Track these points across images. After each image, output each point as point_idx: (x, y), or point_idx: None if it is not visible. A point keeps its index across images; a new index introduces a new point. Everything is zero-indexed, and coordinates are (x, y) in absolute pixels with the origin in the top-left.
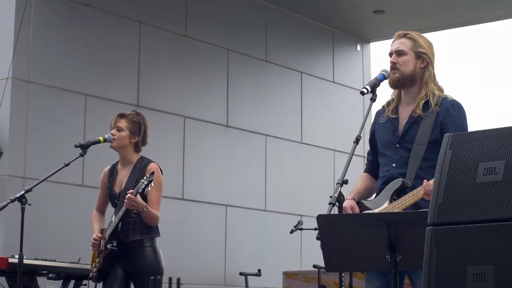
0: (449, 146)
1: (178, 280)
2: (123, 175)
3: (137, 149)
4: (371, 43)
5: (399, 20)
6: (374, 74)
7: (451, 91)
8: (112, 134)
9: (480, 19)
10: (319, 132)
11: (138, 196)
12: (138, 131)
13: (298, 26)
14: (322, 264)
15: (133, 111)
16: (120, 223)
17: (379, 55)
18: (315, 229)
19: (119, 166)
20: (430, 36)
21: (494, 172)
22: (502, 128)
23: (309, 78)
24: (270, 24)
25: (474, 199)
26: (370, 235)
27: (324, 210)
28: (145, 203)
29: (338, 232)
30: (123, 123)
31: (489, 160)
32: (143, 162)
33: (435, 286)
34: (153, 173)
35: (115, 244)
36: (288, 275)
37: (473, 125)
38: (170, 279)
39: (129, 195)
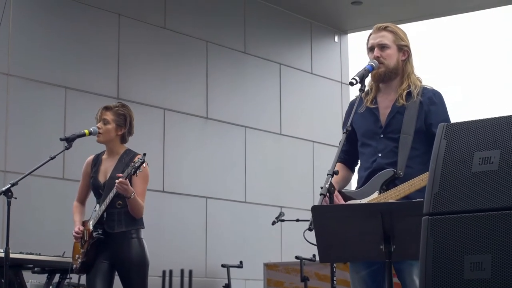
0: (444, 136)
1: (190, 272)
2: (108, 165)
3: (123, 140)
4: (348, 34)
5: (377, 11)
6: (352, 65)
7: (427, 82)
8: (98, 128)
9: (457, 9)
10: (298, 123)
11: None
12: (124, 123)
13: (276, 17)
14: (304, 256)
15: (118, 103)
16: (105, 213)
17: (357, 46)
18: (296, 220)
19: (104, 156)
20: (408, 26)
21: (489, 162)
22: (496, 117)
23: (287, 69)
24: (248, 16)
25: (469, 189)
26: (365, 225)
27: (304, 202)
28: (132, 189)
29: (333, 222)
30: (109, 116)
31: (485, 149)
32: (130, 154)
33: (432, 276)
34: (145, 154)
35: (100, 232)
36: (268, 267)
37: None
38: (182, 271)
39: (120, 178)
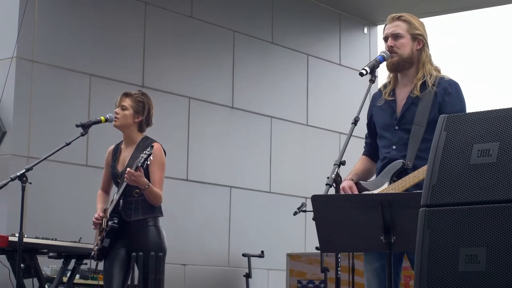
0: (444, 127)
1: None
2: (126, 154)
3: (140, 129)
4: (378, 26)
5: (406, 3)
6: None
7: (455, 75)
8: (116, 113)
9: (489, 2)
10: (325, 114)
11: (141, 170)
12: (142, 111)
13: (305, 8)
14: None
15: (138, 91)
16: (121, 202)
17: None
18: None
19: (122, 146)
20: (438, 19)
21: (488, 154)
22: (496, 109)
23: (315, 60)
24: (276, 6)
25: (467, 181)
26: (365, 216)
27: (330, 193)
28: (146, 181)
29: (333, 213)
30: (127, 102)
31: (483, 142)
32: (147, 142)
33: (427, 268)
34: (152, 146)
35: (116, 221)
36: (291, 257)
37: (474, 105)
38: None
39: (128, 169)
